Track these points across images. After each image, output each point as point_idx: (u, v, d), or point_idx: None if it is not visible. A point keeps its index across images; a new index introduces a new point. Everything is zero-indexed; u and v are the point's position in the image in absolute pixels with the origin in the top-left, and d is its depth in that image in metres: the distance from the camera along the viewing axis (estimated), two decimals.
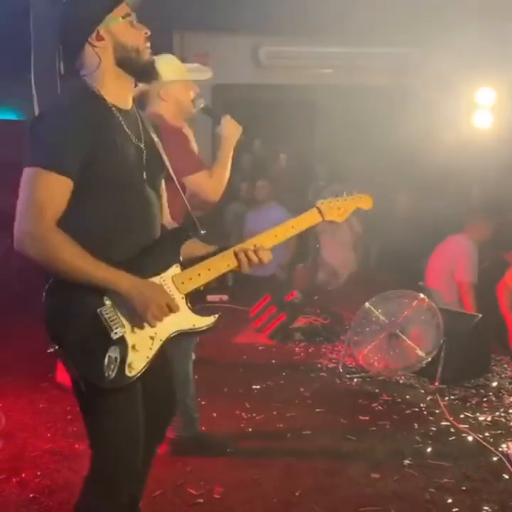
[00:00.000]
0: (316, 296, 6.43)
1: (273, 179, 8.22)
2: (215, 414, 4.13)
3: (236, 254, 2.27)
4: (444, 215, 6.87)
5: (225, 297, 6.47)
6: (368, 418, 4.15)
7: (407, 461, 3.59)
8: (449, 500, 3.22)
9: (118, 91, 2.19)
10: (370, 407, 4.33)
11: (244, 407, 4.25)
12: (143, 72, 2.23)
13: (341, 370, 4.89)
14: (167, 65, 3.35)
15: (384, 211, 8.52)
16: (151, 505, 3.03)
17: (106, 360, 2.02)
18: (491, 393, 4.56)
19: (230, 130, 3.38)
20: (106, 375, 2.02)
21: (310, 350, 5.45)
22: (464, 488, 3.34)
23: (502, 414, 4.23)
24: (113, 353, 2.03)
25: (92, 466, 2.24)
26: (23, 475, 3.39)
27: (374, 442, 3.83)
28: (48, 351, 2.04)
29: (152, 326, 2.12)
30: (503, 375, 4.88)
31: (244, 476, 3.42)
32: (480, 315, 4.86)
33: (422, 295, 4.80)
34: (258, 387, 4.62)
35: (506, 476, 3.45)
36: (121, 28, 2.15)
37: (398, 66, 9.00)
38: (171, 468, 3.45)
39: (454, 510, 3.15)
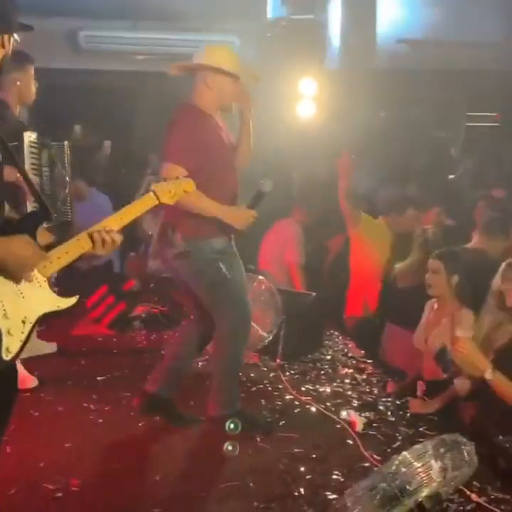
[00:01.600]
0: (152, 283, 6.42)
1: (98, 165, 8.09)
2: (61, 408, 4.03)
3: (91, 236, 2.36)
4: (268, 201, 7.12)
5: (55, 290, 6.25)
6: None
7: (258, 436, 3.73)
8: (302, 469, 3.40)
9: None
10: None
11: (92, 399, 4.17)
12: None
13: None
14: (226, 55, 3.56)
15: None
16: (7, 505, 2.94)
17: None
18: (326, 366, 4.86)
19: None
20: None
21: (152, 337, 5.46)
22: (314, 456, 3.54)
23: (339, 384, 4.52)
24: None
25: None
26: None
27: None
28: None
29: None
30: (335, 349, 5.21)
31: (100, 467, 3.39)
32: (314, 293, 5.14)
33: (260, 277, 4.98)
34: (103, 378, 4.55)
35: (350, 442, 3.70)
36: None
37: None
38: (22, 466, 3.32)
39: (307, 477, 3.33)
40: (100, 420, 3.92)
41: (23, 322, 2.19)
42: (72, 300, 2.36)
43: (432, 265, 4.20)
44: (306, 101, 6.39)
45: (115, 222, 2.49)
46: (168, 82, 8.97)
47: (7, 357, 2.12)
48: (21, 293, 2.19)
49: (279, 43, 7.49)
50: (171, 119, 3.66)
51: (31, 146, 3.86)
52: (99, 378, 4.53)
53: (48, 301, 2.29)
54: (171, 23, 8.31)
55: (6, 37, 2.13)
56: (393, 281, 5.09)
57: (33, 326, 2.24)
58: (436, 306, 4.27)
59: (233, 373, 3.87)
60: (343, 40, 7.90)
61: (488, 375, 3.44)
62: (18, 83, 4.01)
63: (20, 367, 3.62)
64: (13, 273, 2.14)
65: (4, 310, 2.12)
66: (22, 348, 2.19)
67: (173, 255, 3.69)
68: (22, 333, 2.18)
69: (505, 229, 4.84)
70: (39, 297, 2.25)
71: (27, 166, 3.77)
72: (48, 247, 2.31)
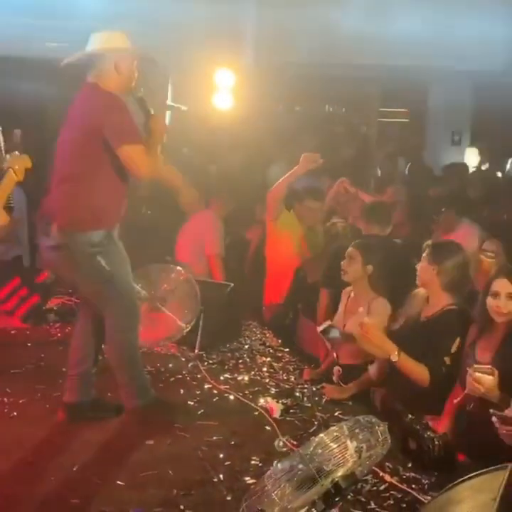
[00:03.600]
0: None
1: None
2: None
3: None
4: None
5: None
6: None
7: (177, 425, 3.74)
8: (221, 455, 3.44)
9: None
10: None
11: (6, 392, 4.07)
12: None
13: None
14: (126, 40, 3.58)
15: None
16: None
17: None
18: (245, 355, 4.91)
19: (158, 125, 3.61)
20: None
21: (67, 330, 5.35)
22: (232, 442, 3.58)
23: (257, 373, 4.58)
24: None
25: None
26: None
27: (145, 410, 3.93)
28: None
29: None
30: (253, 338, 5.27)
31: (17, 460, 3.32)
32: (232, 284, 5.19)
33: (179, 268, 4.99)
34: (17, 371, 4.45)
35: (268, 428, 3.76)
36: None
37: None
38: None
39: (226, 463, 3.37)
40: (15, 413, 3.84)
41: None
42: None
43: (349, 253, 4.31)
44: (223, 92, 6.39)
45: None
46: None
47: None
48: None
49: (195, 33, 7.44)
50: (90, 102, 3.57)
51: None
52: (13, 371, 4.43)
53: None
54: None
55: None
56: (303, 275, 5.19)
57: None
58: (352, 294, 4.39)
59: (132, 362, 3.81)
60: (260, 33, 7.95)
61: (394, 357, 3.58)
62: None
63: None
64: None
65: None
66: None
67: (49, 247, 3.62)
68: None
69: (382, 217, 5.01)
70: None
71: None
72: None
